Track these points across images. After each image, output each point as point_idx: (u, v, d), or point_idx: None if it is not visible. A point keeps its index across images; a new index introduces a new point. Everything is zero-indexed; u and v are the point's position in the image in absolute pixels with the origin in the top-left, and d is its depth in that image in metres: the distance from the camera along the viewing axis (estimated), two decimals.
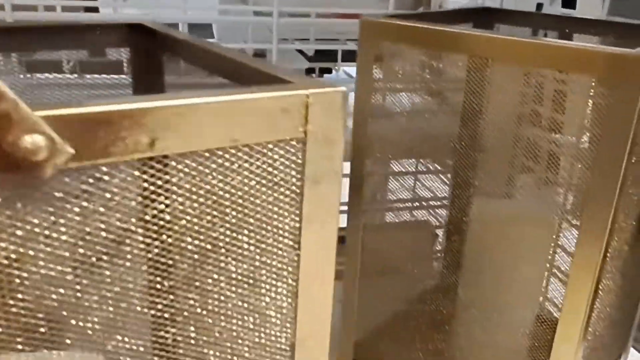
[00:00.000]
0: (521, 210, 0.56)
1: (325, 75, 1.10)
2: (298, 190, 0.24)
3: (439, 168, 0.61)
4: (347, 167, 0.56)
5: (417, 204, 0.61)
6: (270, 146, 0.23)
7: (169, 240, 0.22)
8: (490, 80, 0.51)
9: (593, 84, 0.41)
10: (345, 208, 0.53)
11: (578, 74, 0.42)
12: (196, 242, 0.22)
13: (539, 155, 0.50)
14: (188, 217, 0.22)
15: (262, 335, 0.25)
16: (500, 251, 0.55)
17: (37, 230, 0.19)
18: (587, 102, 0.42)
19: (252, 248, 0.24)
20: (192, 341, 0.23)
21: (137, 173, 0.20)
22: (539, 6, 0.80)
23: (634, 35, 0.59)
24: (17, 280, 0.19)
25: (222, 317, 0.24)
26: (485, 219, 0.57)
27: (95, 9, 0.85)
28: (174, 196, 0.21)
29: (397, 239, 0.60)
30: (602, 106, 0.40)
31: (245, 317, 0.25)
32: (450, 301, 0.59)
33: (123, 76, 0.43)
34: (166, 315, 0.23)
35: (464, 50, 0.47)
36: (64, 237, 0.20)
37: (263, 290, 0.25)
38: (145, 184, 0.21)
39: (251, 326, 0.25)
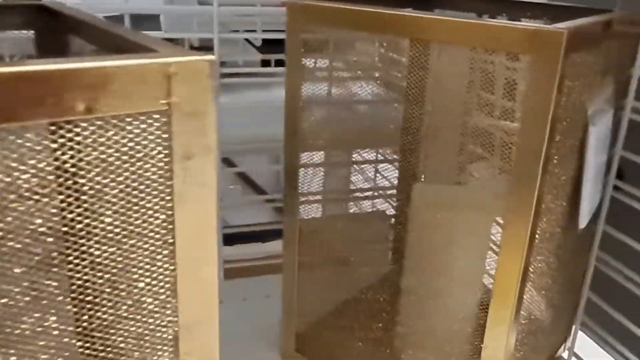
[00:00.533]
0: (460, 194, 0.56)
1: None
2: (167, 167, 0.22)
3: (378, 157, 0.60)
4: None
5: (356, 194, 0.60)
6: (129, 119, 0.21)
7: (16, 222, 0.20)
8: (421, 62, 0.50)
9: (514, 61, 0.40)
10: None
11: (499, 51, 0.41)
12: (49, 224, 0.21)
13: (473, 137, 0.50)
14: (36, 197, 0.20)
15: (140, 324, 0.24)
16: (441, 237, 0.54)
17: None
18: (511, 80, 0.41)
19: (117, 230, 0.22)
20: (56, 332, 0.22)
21: None
22: None
23: (569, 17, 0.58)
24: None
25: (88, 305, 0.22)
26: (424, 206, 0.56)
27: None
28: (16, 173, 0.20)
29: (336, 229, 0.59)
30: (525, 83, 0.39)
31: (118, 305, 0.23)
32: (392, 289, 0.58)
33: None
34: (21, 303, 0.21)
35: (386, 30, 0.46)
36: None
37: (136, 276, 0.23)
38: None
39: (125, 314, 0.23)
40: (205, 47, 0.94)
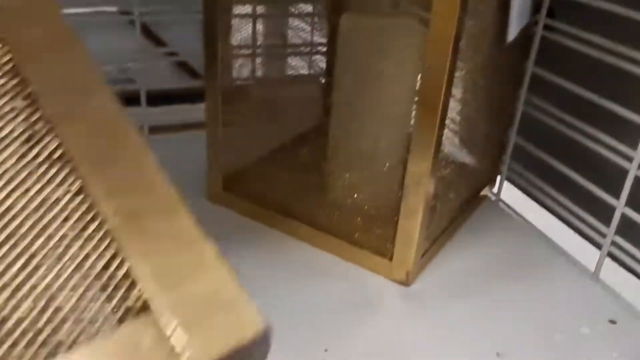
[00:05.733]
0: (388, 20, 0.53)
1: None
2: None
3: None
4: None
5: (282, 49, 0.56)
6: None
7: None
8: None
9: None
10: None
11: None
12: None
13: None
14: None
15: None
16: (371, 62, 0.51)
17: None
18: None
19: None
20: None
21: None
22: None
23: None
24: None
25: None
26: (353, 34, 0.53)
27: None
28: None
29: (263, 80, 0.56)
30: None
31: None
32: (320, 121, 0.56)
33: None
34: None
35: None
36: None
37: None
38: None
39: None
40: None
